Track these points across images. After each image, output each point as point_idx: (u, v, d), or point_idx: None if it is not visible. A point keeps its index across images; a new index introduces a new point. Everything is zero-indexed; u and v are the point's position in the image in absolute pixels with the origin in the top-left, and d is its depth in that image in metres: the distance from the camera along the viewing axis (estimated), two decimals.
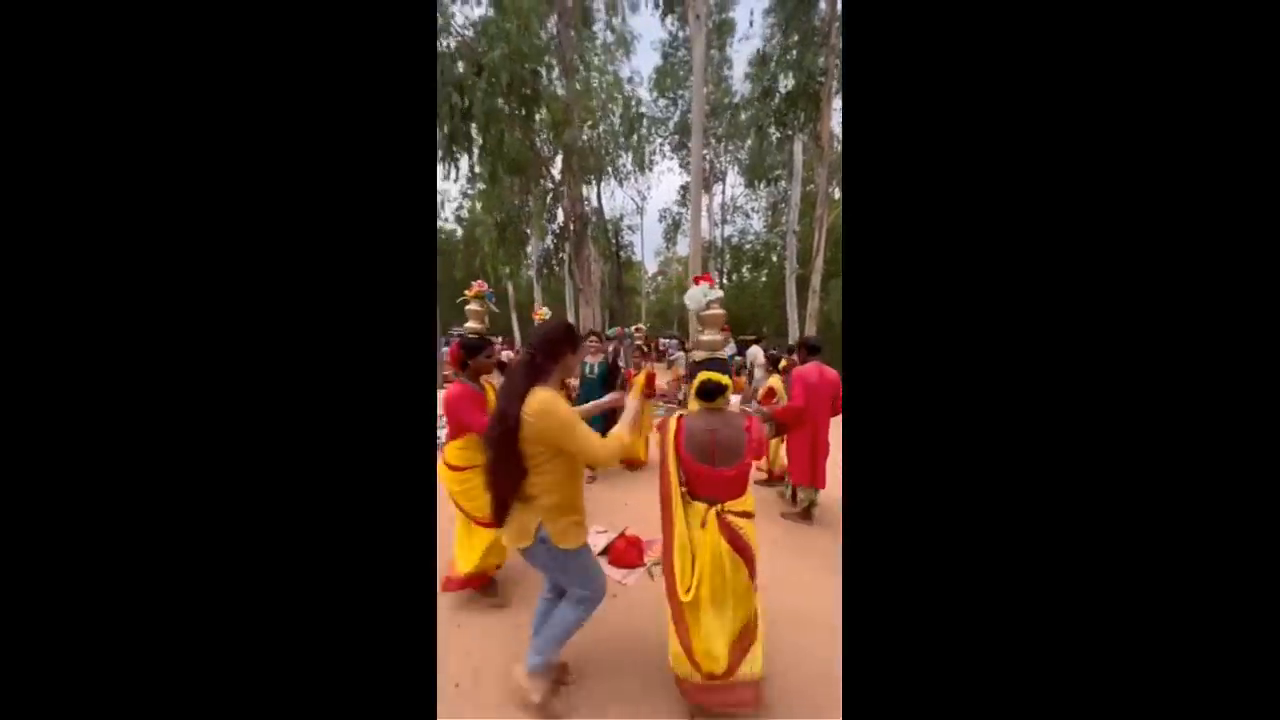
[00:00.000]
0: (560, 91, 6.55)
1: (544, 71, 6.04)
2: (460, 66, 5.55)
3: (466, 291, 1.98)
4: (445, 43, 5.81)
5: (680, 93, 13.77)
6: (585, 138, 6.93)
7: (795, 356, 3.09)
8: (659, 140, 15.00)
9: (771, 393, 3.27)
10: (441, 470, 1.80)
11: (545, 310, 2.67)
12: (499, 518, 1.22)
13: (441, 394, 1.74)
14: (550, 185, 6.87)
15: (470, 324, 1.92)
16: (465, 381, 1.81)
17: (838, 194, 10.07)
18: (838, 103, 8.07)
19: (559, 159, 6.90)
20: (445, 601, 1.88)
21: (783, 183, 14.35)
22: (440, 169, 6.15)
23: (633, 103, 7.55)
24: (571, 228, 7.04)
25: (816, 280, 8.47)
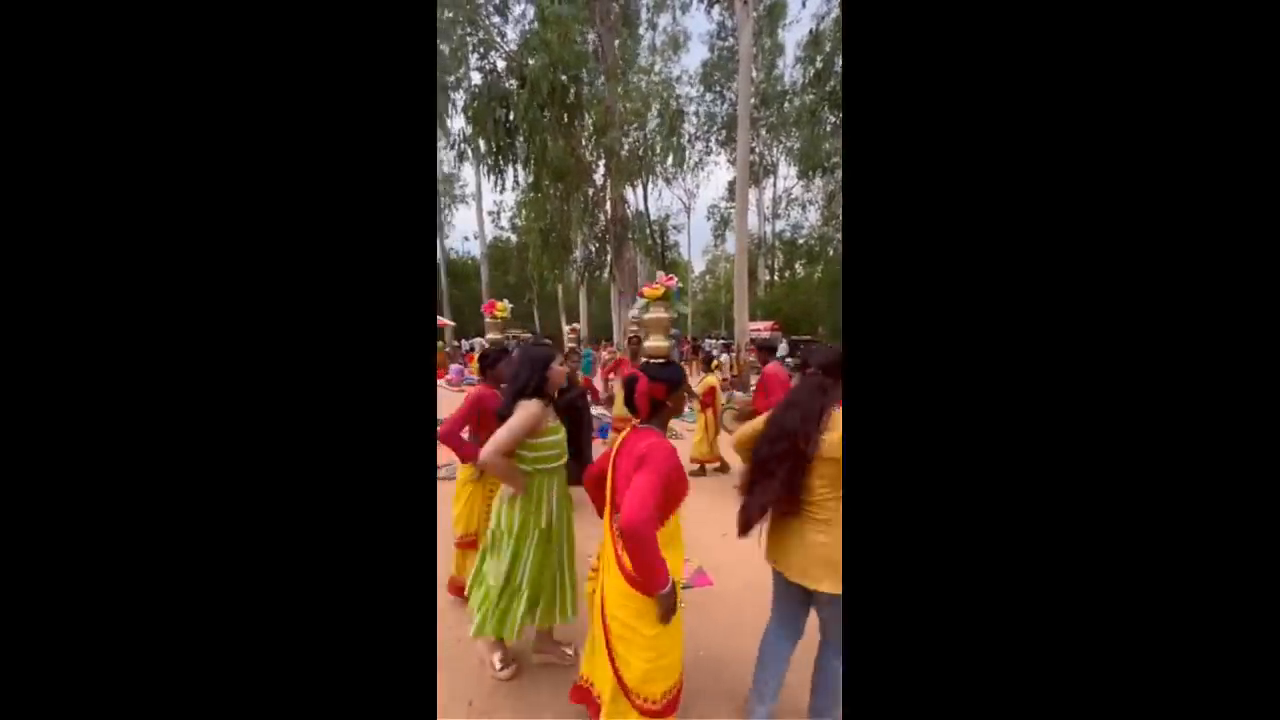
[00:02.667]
0: (604, 94, 6.58)
1: (586, 76, 6.10)
2: (510, 83, 5.77)
3: (646, 289, 1.27)
4: (493, 61, 6.09)
5: (729, 84, 13.30)
6: (629, 141, 6.90)
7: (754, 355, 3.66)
8: (710, 137, 14.61)
9: (713, 392, 3.61)
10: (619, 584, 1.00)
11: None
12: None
13: (629, 447, 1.04)
14: (592, 189, 6.94)
15: (654, 341, 1.23)
16: (658, 429, 1.09)
17: None
18: None
19: (602, 164, 6.94)
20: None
21: (839, 172, 13.31)
22: (488, 182, 6.45)
23: (672, 101, 7.37)
24: (612, 230, 7.06)
25: None
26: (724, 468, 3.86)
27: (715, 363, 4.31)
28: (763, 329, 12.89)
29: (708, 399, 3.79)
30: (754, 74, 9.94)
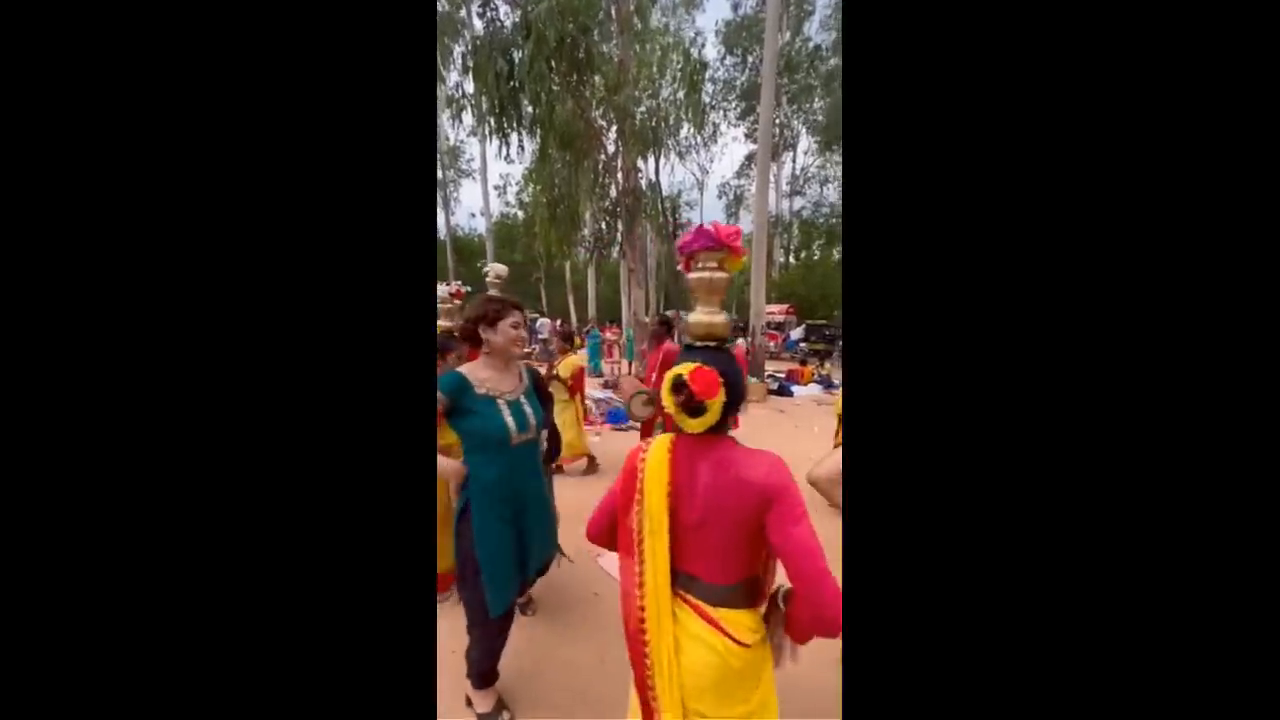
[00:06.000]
0: (616, 52, 6.01)
1: (596, 33, 5.53)
2: (515, 36, 5.25)
3: None
4: (495, 4, 5.53)
5: (752, 47, 12.39)
6: (643, 108, 6.35)
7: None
8: (726, 108, 13.77)
9: (581, 375, 3.37)
10: None
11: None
12: None
13: None
14: (603, 158, 6.44)
15: None
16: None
17: None
18: None
19: (613, 131, 6.42)
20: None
21: None
22: (491, 147, 5.99)
23: (693, 51, 6.72)
24: (624, 203, 6.59)
25: None
26: (593, 466, 3.19)
27: (578, 339, 3.86)
28: (777, 312, 12.43)
29: (576, 384, 2.96)
30: (781, 36, 9.09)
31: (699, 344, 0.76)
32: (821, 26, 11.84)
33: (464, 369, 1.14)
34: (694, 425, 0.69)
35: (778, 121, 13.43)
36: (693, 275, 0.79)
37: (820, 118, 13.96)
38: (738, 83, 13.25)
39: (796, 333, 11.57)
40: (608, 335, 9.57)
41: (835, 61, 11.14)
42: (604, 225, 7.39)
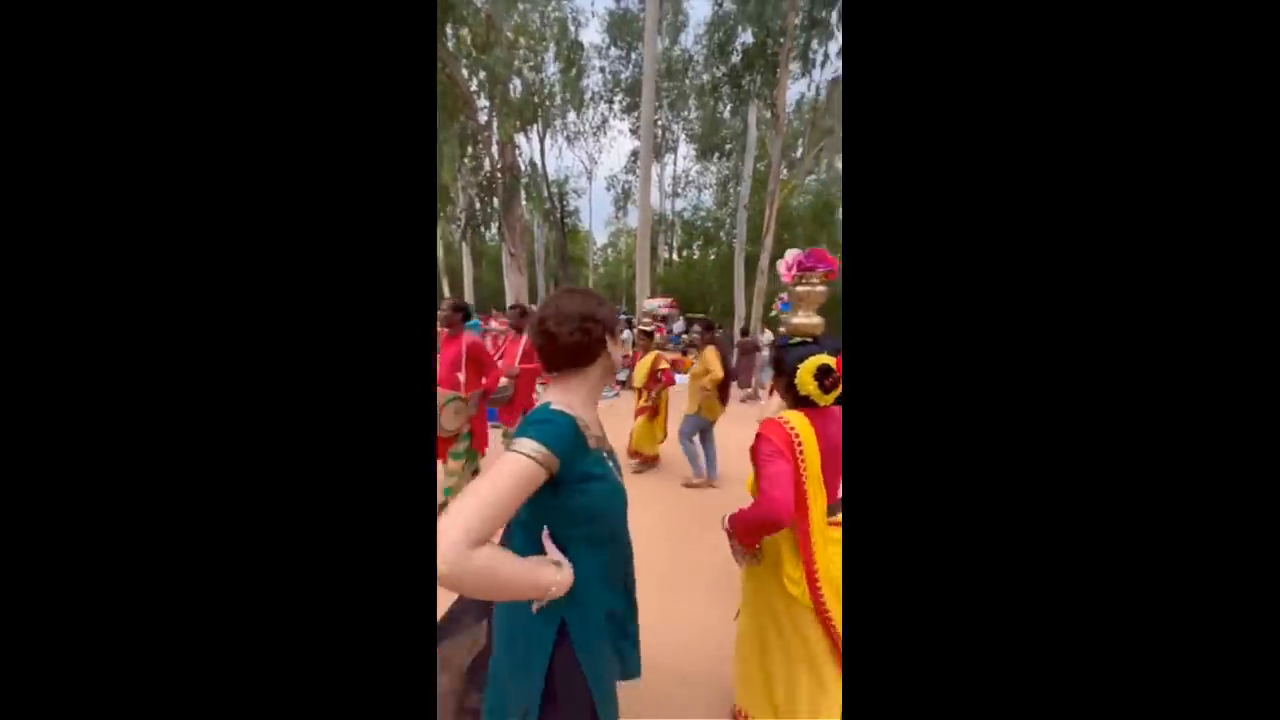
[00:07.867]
0: (485, 6, 5.38)
1: None
2: None
3: None
4: None
5: (635, 44, 12.60)
6: (520, 80, 5.85)
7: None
8: (614, 100, 13.78)
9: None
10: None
11: None
12: None
13: None
14: (472, 125, 5.75)
15: None
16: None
17: (785, 172, 9.81)
18: (795, 68, 7.68)
19: (485, 95, 5.78)
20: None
21: (734, 157, 13.95)
22: None
23: (571, 30, 6.46)
24: (500, 179, 6.03)
25: (764, 260, 8.30)
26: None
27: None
28: (661, 306, 13.14)
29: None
30: (660, 41, 9.45)
31: (810, 340, 1.07)
32: (695, 41, 12.69)
33: (561, 407, 0.67)
34: (829, 399, 1.02)
35: (659, 123, 14.02)
36: (800, 287, 1.11)
37: (696, 128, 15.05)
38: (622, 76, 13.39)
39: (679, 325, 12.41)
40: (493, 324, 8.71)
41: (706, 76, 12.06)
42: (477, 201, 6.66)
